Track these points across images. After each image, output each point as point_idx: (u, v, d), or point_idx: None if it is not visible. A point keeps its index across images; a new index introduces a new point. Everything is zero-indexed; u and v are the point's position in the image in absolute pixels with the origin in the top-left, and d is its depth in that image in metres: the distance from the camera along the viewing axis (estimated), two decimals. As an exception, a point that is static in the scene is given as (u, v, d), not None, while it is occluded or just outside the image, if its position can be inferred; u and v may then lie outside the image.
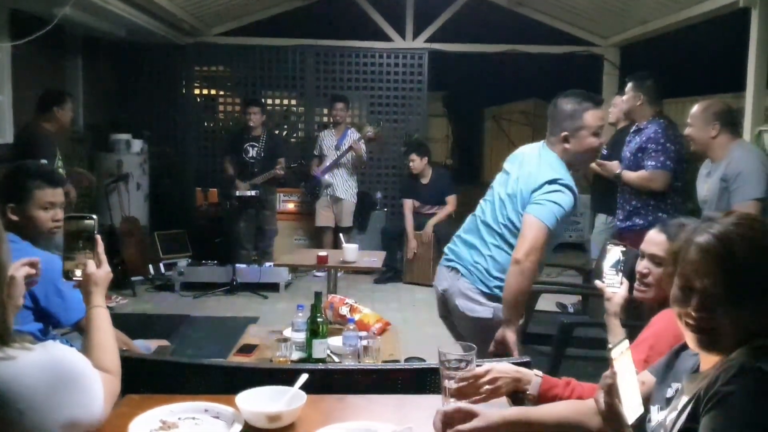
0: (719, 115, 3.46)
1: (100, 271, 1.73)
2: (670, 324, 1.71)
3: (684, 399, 1.35)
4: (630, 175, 4.05)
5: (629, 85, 4.21)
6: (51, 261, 1.97)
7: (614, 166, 4.18)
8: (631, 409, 1.42)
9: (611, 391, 1.35)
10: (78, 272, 1.72)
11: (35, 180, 2.37)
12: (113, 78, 7.55)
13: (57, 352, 1.39)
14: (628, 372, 1.46)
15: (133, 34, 6.48)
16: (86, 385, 1.41)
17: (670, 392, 1.45)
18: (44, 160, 4.74)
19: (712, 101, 3.66)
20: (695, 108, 3.55)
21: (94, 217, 1.77)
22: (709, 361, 1.35)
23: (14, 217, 2.34)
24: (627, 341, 1.48)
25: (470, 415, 1.49)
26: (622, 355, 1.45)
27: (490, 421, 1.48)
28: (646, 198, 4.01)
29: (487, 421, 1.48)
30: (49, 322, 2.34)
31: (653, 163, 3.93)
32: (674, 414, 1.36)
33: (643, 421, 1.45)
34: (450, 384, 1.63)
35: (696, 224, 1.37)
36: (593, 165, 4.37)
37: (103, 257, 1.76)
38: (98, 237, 1.76)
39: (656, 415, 1.46)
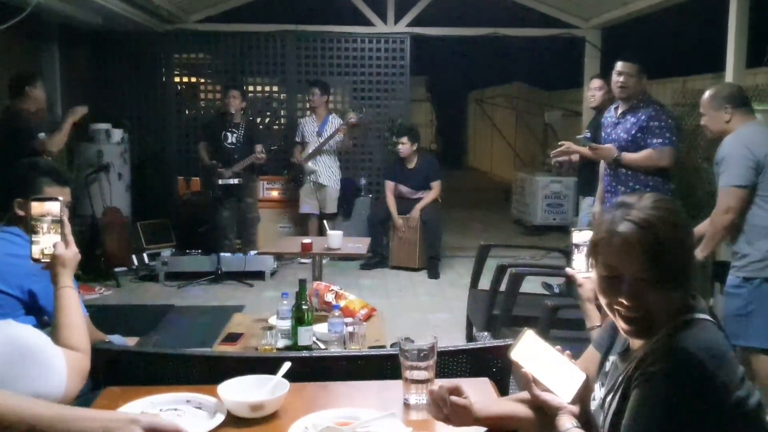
0: (729, 98, 3.30)
1: (68, 252, 1.78)
2: None
3: (618, 379, 1.37)
4: (633, 156, 3.89)
5: (629, 65, 3.96)
6: None
7: (612, 149, 3.98)
8: (565, 387, 1.45)
9: (531, 389, 1.44)
10: (46, 253, 1.78)
11: (44, 177, 2.37)
12: (91, 67, 7.44)
13: (11, 330, 1.45)
14: (545, 357, 1.48)
15: (111, 21, 6.37)
16: (44, 359, 1.46)
17: (608, 365, 1.47)
18: (41, 134, 4.74)
19: (720, 86, 3.48)
20: (705, 96, 3.37)
21: (60, 198, 1.83)
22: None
23: (20, 212, 2.33)
24: (529, 331, 1.51)
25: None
26: (528, 348, 1.48)
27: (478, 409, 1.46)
28: (644, 179, 3.90)
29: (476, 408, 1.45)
30: (41, 318, 2.34)
31: (660, 140, 3.84)
32: (611, 396, 1.38)
33: (588, 387, 1.48)
34: (411, 374, 1.62)
35: (613, 212, 1.36)
36: (587, 150, 4.26)
37: (71, 238, 1.81)
38: (65, 218, 1.80)
39: (598, 393, 1.47)
